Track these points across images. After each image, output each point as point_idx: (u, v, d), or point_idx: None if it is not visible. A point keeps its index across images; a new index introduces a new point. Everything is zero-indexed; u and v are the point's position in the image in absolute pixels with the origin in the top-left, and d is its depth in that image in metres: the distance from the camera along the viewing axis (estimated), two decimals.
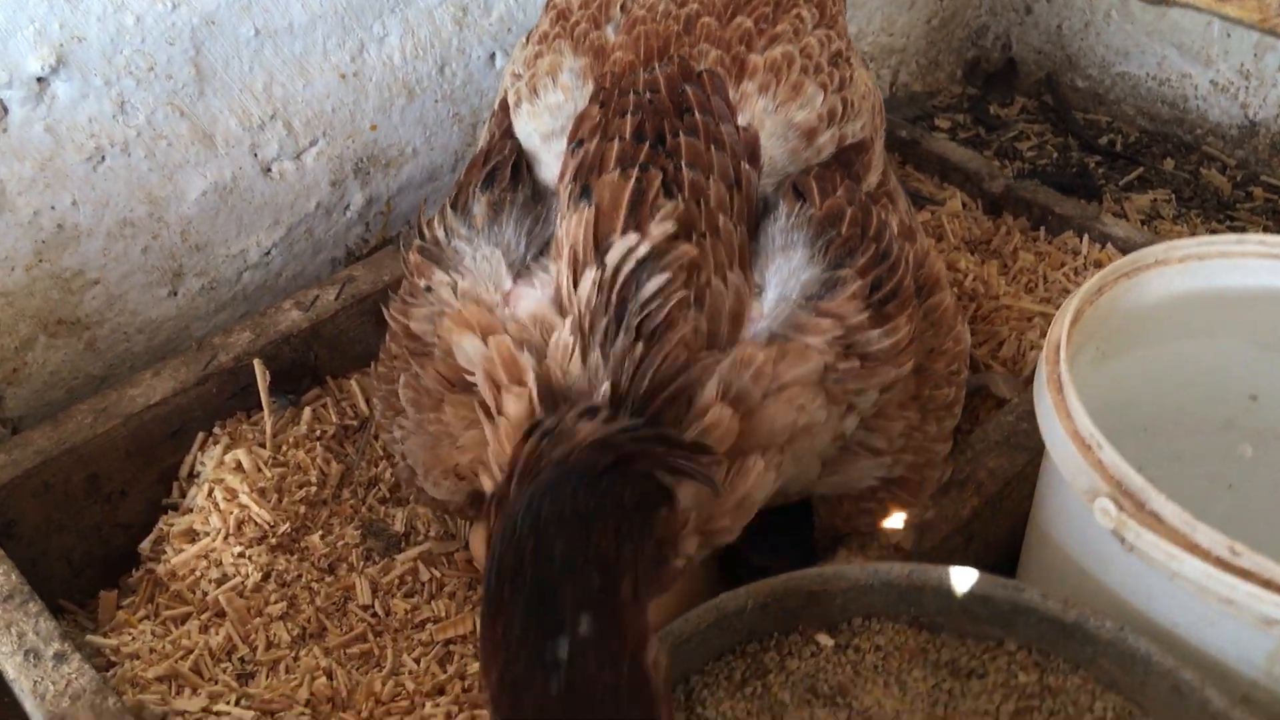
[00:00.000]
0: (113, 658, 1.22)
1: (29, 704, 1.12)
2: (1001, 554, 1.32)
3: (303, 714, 1.18)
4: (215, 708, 1.17)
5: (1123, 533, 0.95)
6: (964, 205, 1.72)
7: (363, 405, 1.48)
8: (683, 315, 0.96)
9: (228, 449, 1.39)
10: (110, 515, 1.38)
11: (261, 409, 1.43)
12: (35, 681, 1.10)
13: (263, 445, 1.40)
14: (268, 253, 1.55)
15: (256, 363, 1.39)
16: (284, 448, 1.41)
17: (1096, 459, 0.98)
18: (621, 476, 0.84)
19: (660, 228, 0.98)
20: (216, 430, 1.42)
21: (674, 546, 0.93)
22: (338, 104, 1.51)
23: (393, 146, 1.61)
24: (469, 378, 1.01)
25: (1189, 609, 0.97)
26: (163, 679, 1.19)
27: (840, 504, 1.14)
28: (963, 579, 1.03)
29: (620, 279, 0.96)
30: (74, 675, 1.11)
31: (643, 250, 0.97)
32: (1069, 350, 1.09)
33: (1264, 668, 0.96)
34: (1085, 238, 1.62)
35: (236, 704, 1.18)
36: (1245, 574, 0.90)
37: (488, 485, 0.99)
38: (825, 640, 1.05)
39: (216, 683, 1.20)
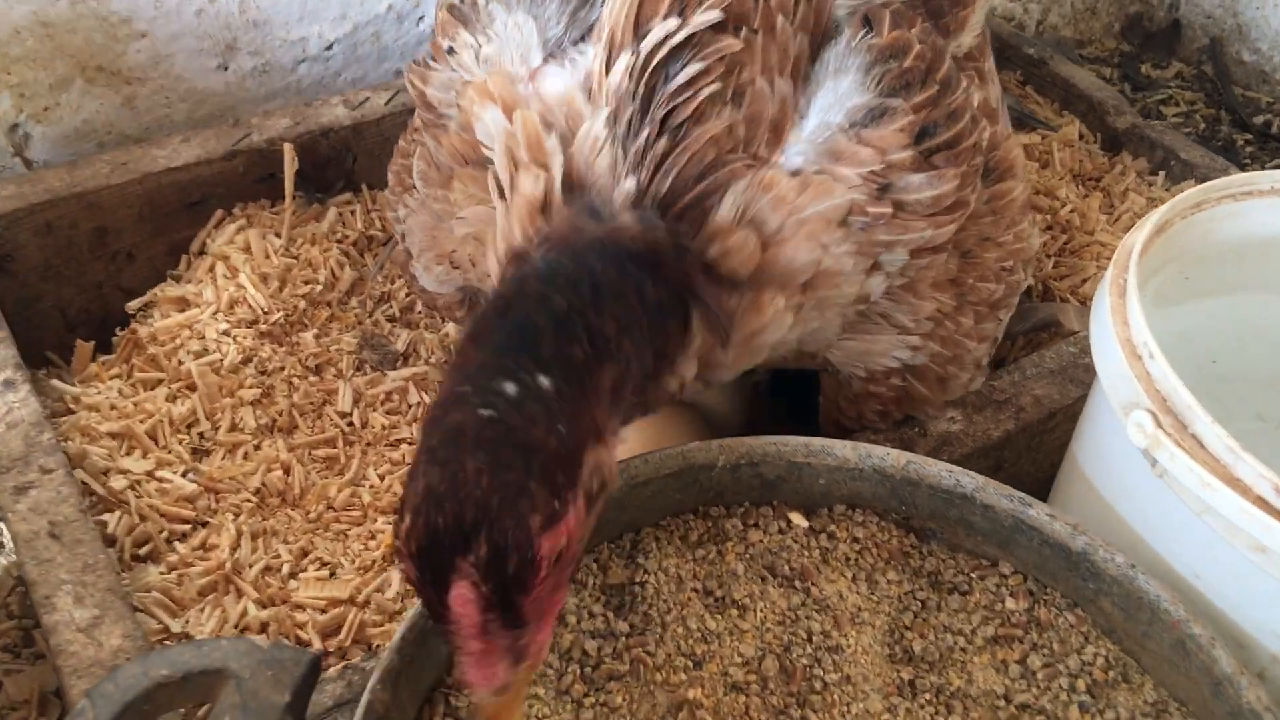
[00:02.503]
0: (72, 405, 1.17)
1: None
2: (1032, 494, 1.18)
3: (248, 500, 1.12)
4: (159, 473, 1.11)
5: (1155, 453, 0.82)
6: (1080, 136, 1.56)
7: None
8: (715, 111, 0.86)
9: (241, 230, 1.32)
10: (114, 276, 1.33)
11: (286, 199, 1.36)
12: None
13: (278, 234, 1.33)
14: (329, 47, 1.47)
15: (286, 146, 1.32)
16: (299, 241, 1.34)
17: (1144, 369, 0.85)
18: (653, 275, 0.79)
19: (704, 15, 0.87)
20: (236, 211, 1.36)
21: (671, 365, 0.85)
22: None
23: None
24: (486, 152, 0.92)
25: (1215, 556, 0.83)
26: (116, 436, 1.14)
27: (850, 382, 1.02)
28: (967, 481, 0.91)
29: (651, 65, 0.86)
30: (17, 405, 1.05)
31: (680, 36, 0.86)
32: (1144, 261, 0.95)
33: None
34: None
35: (183, 475, 1.12)
36: None
37: (492, 264, 0.90)
38: (799, 520, 0.94)
39: (169, 451, 1.14)
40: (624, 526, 0.93)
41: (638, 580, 0.89)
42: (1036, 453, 1.16)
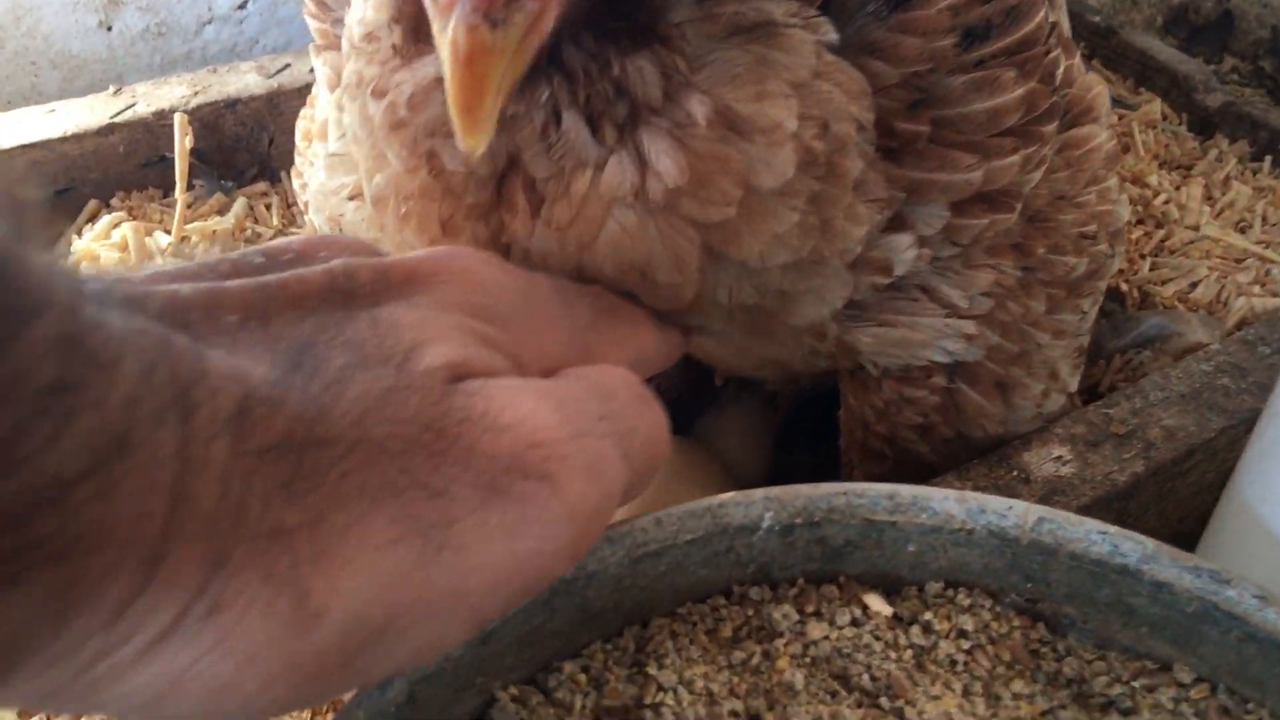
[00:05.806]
0: None
1: None
2: None
3: None
4: None
5: None
6: (1163, 116, 1.29)
7: None
8: None
9: (119, 225, 1.03)
10: None
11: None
12: None
13: (168, 231, 1.04)
14: (242, 6, 1.19)
15: (178, 116, 1.03)
16: (194, 239, 1.04)
17: None
18: None
19: None
20: (115, 201, 1.06)
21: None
22: None
23: None
24: None
25: None
26: None
27: (880, 385, 0.74)
28: (1129, 548, 0.62)
29: None
30: None
31: None
32: None
33: None
34: None
35: None
36: None
37: None
38: (879, 606, 0.65)
39: None
40: (626, 616, 0.63)
41: (649, 701, 0.60)
42: (1165, 503, 0.87)
